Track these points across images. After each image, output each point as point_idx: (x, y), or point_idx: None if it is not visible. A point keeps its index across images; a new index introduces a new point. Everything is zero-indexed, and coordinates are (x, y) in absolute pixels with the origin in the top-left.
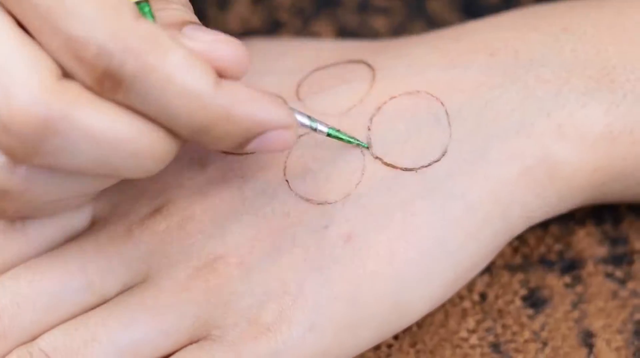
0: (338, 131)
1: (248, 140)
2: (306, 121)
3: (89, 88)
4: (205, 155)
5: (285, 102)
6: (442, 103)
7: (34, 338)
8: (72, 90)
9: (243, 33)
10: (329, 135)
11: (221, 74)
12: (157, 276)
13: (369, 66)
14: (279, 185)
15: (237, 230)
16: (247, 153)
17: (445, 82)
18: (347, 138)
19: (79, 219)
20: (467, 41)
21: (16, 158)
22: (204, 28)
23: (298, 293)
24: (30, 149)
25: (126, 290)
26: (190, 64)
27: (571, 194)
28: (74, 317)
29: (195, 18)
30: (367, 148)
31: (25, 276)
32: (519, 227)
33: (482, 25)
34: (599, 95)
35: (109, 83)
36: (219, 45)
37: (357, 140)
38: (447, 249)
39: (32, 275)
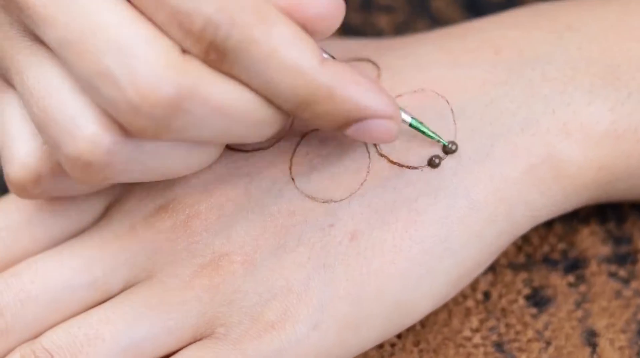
0: (421, 122)
1: (348, 123)
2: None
3: (195, 56)
4: None
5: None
6: (447, 101)
7: (37, 335)
8: (196, 65)
9: None
10: (410, 125)
11: (310, 31)
12: (161, 273)
13: (374, 64)
14: (285, 183)
15: (243, 228)
16: (254, 150)
17: (450, 80)
18: (429, 132)
19: (84, 216)
20: (472, 39)
21: (146, 135)
22: None
23: (302, 292)
24: (162, 126)
25: (130, 287)
26: (295, 39)
27: (576, 193)
28: (77, 314)
29: None
30: (447, 145)
31: (29, 273)
32: (523, 226)
33: (487, 24)
34: (604, 93)
35: (215, 55)
36: None
37: (438, 136)
38: (451, 247)
39: (35, 272)
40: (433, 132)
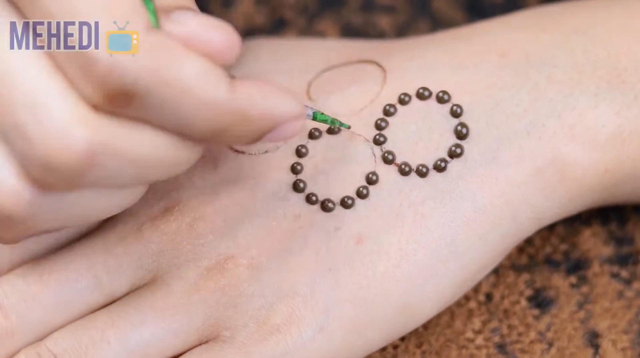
0: (322, 113)
1: (263, 135)
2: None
3: (97, 105)
4: (217, 156)
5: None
6: (453, 104)
7: (41, 337)
8: (107, 118)
9: (247, 31)
10: (314, 118)
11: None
12: (167, 276)
13: (380, 66)
14: (290, 186)
15: (248, 231)
16: (260, 153)
17: (456, 83)
18: (331, 119)
19: None
20: (478, 42)
21: (59, 189)
22: (193, 12)
23: (308, 295)
24: (75, 181)
25: (135, 289)
26: (206, 72)
27: (581, 196)
28: (82, 316)
29: (191, 4)
30: (349, 128)
31: (34, 275)
32: (528, 229)
33: (493, 26)
34: (610, 96)
35: (121, 99)
36: (207, 29)
37: (340, 121)
38: (457, 250)
39: (40, 274)
40: (335, 119)
